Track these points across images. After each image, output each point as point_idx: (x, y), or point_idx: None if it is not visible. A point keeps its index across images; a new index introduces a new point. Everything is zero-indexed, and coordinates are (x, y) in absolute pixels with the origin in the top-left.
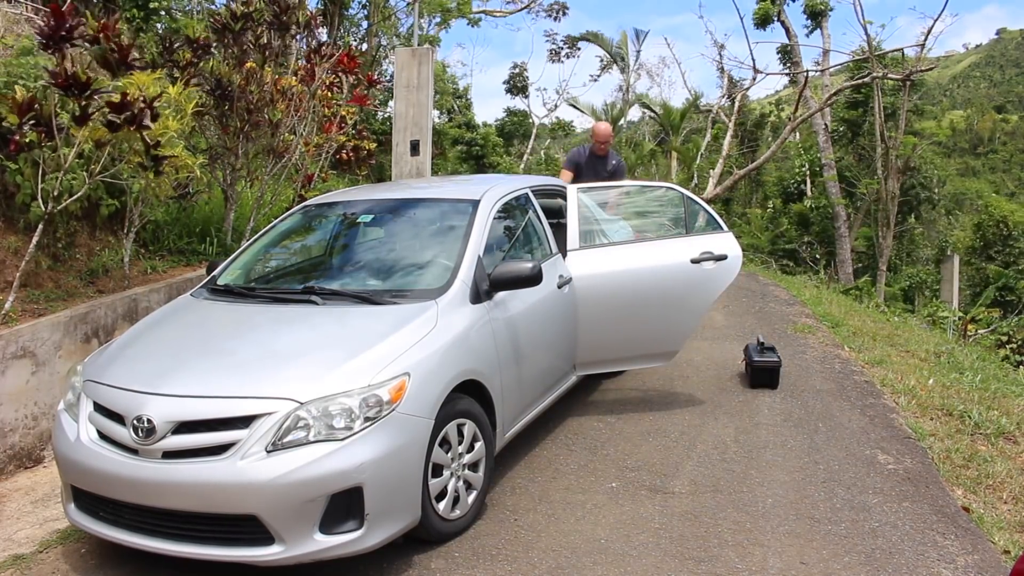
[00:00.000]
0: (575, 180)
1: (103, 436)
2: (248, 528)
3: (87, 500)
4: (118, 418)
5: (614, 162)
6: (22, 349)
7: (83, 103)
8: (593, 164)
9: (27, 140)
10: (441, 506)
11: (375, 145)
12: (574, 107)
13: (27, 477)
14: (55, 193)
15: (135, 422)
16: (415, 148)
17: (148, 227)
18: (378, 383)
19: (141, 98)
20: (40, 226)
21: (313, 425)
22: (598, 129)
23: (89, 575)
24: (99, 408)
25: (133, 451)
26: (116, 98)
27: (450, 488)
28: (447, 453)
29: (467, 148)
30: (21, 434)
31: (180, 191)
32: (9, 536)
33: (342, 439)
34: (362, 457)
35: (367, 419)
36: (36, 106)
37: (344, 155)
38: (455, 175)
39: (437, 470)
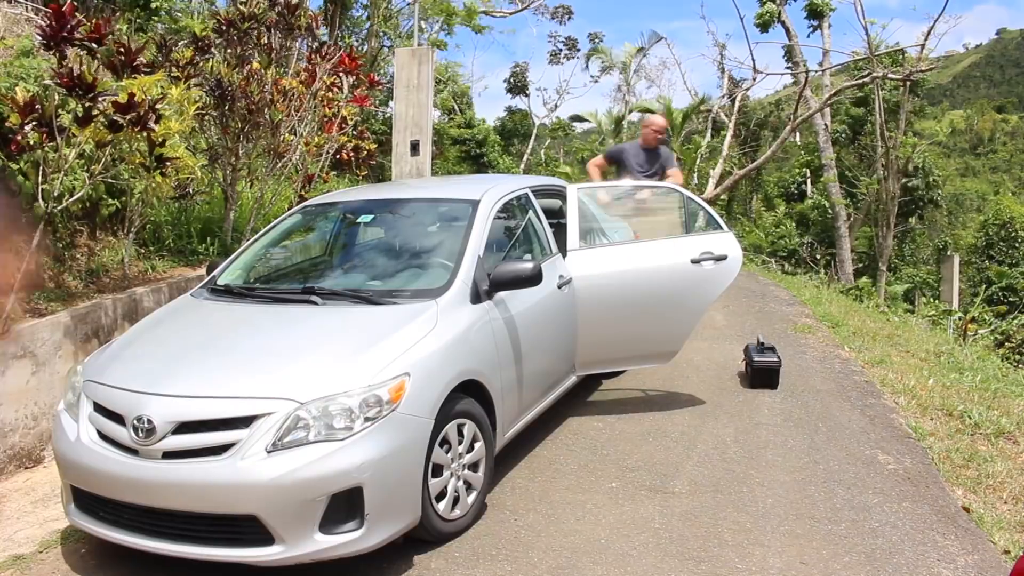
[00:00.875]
0: (613, 174)
1: (103, 436)
2: (248, 528)
3: (87, 500)
4: (118, 418)
5: (663, 156)
6: (22, 349)
7: (86, 104)
8: (639, 156)
9: (29, 141)
10: (441, 506)
11: (375, 145)
12: (580, 118)
13: (27, 477)
14: (56, 193)
15: (135, 422)
16: (415, 148)
17: (148, 227)
18: (378, 383)
19: (146, 99)
20: (41, 226)
21: (313, 425)
22: (654, 120)
23: (89, 575)
24: (99, 408)
25: (133, 451)
26: (123, 98)
27: (450, 488)
28: (447, 453)
29: (466, 148)
30: (21, 434)
31: (180, 191)
32: (9, 536)
33: (342, 439)
34: (362, 457)
35: (367, 419)
36: (38, 107)
37: (344, 155)
38: (455, 175)
39: (437, 470)
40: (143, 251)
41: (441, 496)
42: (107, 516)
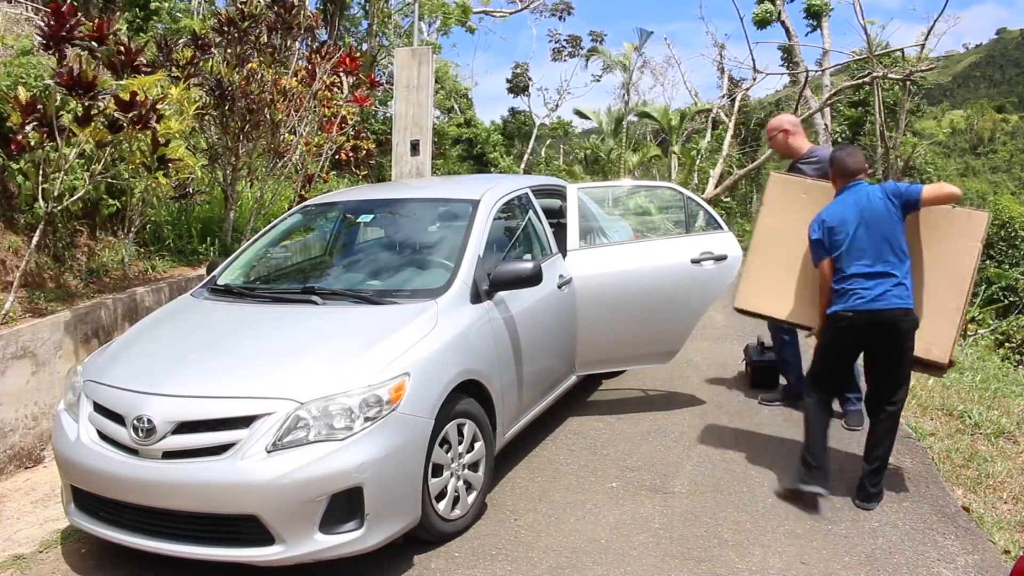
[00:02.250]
0: None
1: (103, 436)
2: (248, 528)
3: (87, 500)
4: (118, 418)
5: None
6: (22, 349)
7: (87, 103)
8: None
9: (30, 141)
10: (441, 506)
11: (374, 145)
12: (582, 114)
13: (27, 477)
14: (56, 193)
15: (135, 422)
16: (415, 148)
17: (148, 227)
18: (378, 383)
19: (148, 99)
20: (41, 226)
21: (313, 425)
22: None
23: (89, 575)
24: (99, 408)
25: (133, 451)
26: (126, 95)
27: (450, 488)
28: (447, 453)
29: (467, 148)
30: (21, 434)
31: (180, 191)
32: (9, 536)
33: (342, 439)
34: (362, 457)
35: (367, 419)
36: (39, 107)
37: (343, 155)
38: (455, 175)
39: (437, 470)
40: (143, 251)
41: (441, 496)
42: (107, 516)
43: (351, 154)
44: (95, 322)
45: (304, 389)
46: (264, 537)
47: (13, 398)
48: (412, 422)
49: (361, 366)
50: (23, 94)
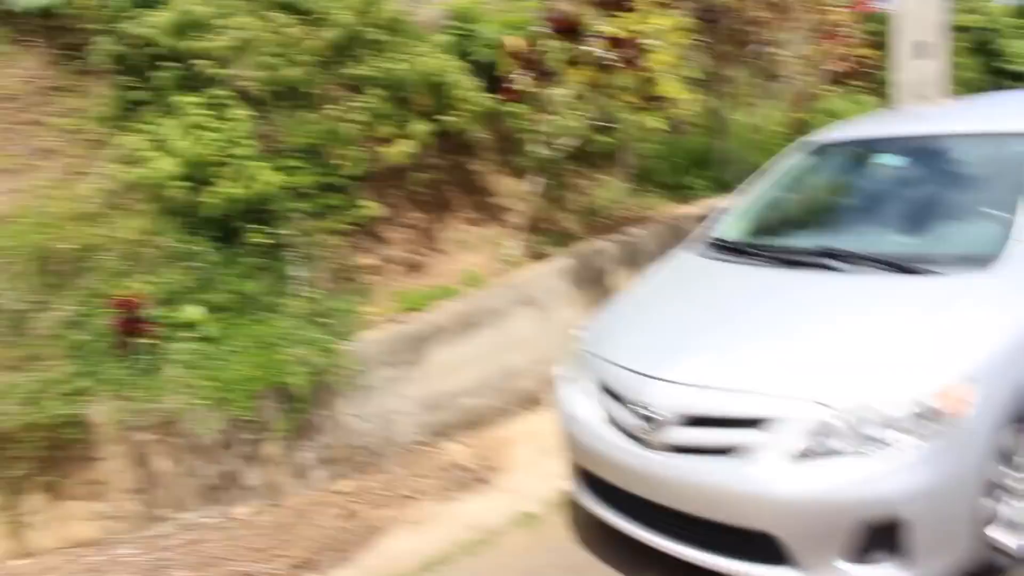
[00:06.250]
0: None
1: (607, 419)
2: (755, 542)
3: (589, 479)
4: (620, 400)
5: None
6: (527, 296)
7: (579, 45)
8: None
9: (522, 87)
10: (994, 533)
11: (876, 52)
12: None
13: (531, 420)
14: (549, 137)
15: (639, 408)
16: (920, 50)
17: (637, 163)
18: (932, 390)
19: (636, 38)
20: (539, 170)
21: (844, 437)
22: None
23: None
24: (600, 387)
25: (637, 439)
26: (622, 34)
27: (1007, 511)
28: (1009, 468)
29: (973, 39)
30: (528, 379)
31: (673, 124)
32: (519, 487)
33: (883, 457)
34: (908, 482)
35: (916, 435)
36: (533, 54)
37: (849, 66)
38: (1009, 92)
39: (992, 488)
40: (634, 188)
41: (996, 521)
42: (610, 500)
43: (856, 65)
44: (592, 267)
45: (837, 391)
46: (773, 555)
47: (521, 344)
48: (974, 441)
49: (910, 366)
50: (512, 42)
